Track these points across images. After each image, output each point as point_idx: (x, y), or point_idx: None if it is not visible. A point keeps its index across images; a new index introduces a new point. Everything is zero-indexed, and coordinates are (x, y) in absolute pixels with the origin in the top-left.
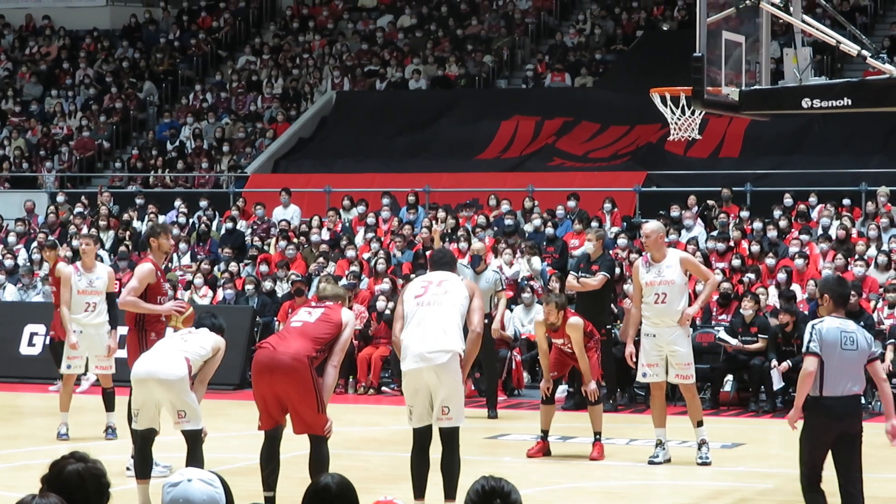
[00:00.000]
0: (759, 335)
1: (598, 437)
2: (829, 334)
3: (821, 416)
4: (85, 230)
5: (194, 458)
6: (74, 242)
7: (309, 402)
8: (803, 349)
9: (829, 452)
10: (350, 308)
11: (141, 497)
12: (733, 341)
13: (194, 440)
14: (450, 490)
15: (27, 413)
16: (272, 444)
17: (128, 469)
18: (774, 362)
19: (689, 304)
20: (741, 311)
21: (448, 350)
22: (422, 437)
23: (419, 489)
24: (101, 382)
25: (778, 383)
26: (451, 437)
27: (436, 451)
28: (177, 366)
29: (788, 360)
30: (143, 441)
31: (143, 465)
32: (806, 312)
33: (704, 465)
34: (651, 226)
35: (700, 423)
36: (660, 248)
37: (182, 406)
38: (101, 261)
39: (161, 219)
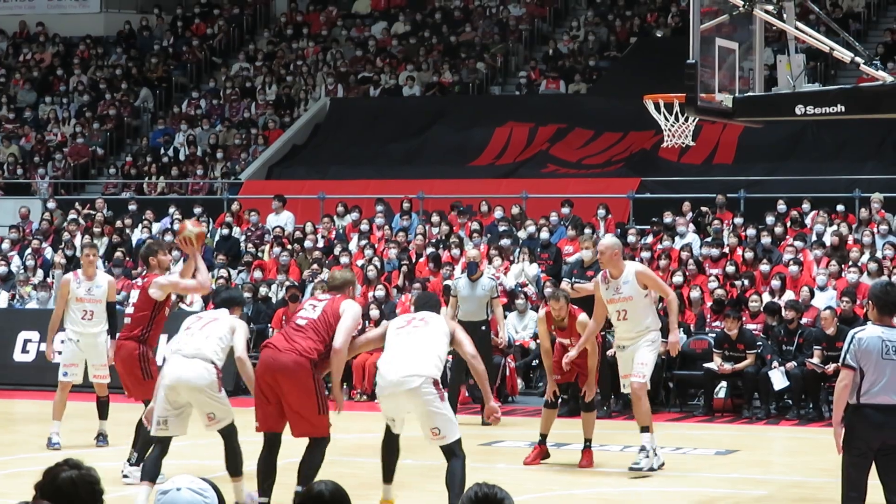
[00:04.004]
0: (747, 350)
1: (588, 444)
2: (868, 342)
3: (859, 424)
4: (79, 237)
5: (232, 452)
6: (68, 250)
7: (310, 405)
8: (840, 361)
9: (873, 469)
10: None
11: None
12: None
13: (229, 437)
14: (452, 500)
15: (21, 420)
16: (271, 451)
17: (124, 476)
18: (776, 363)
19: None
20: (726, 331)
21: (420, 374)
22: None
23: (387, 473)
24: (97, 391)
25: (781, 383)
26: (451, 451)
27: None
28: (204, 371)
29: (784, 368)
30: (163, 448)
31: (153, 469)
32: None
33: (633, 471)
34: (606, 241)
35: (645, 430)
36: (615, 264)
37: (211, 409)
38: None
39: (155, 227)
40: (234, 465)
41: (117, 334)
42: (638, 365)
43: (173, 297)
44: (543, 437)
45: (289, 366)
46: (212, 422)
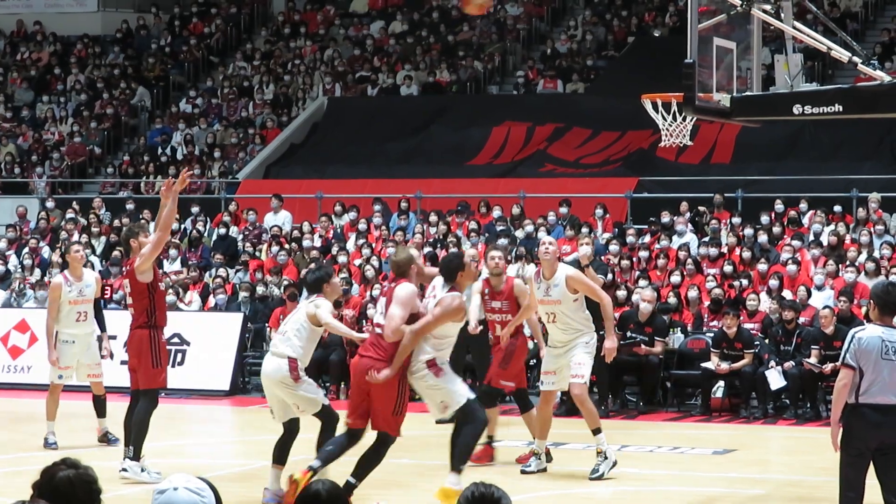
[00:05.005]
0: (745, 350)
1: (490, 440)
2: (868, 342)
3: (857, 424)
4: (76, 236)
5: (328, 434)
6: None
7: (389, 404)
8: (840, 360)
9: (871, 469)
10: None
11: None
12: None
13: (325, 421)
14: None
15: (19, 419)
16: (349, 441)
17: (123, 471)
18: (773, 363)
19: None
20: (724, 329)
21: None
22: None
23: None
24: (94, 390)
25: (778, 383)
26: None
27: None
28: (278, 365)
29: (781, 367)
30: (287, 433)
31: (279, 452)
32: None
33: (594, 479)
34: (548, 238)
35: (597, 431)
36: (551, 264)
37: (294, 400)
38: (93, 266)
39: (152, 226)
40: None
41: (105, 329)
42: (576, 366)
43: (170, 293)
44: (490, 437)
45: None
46: (299, 411)
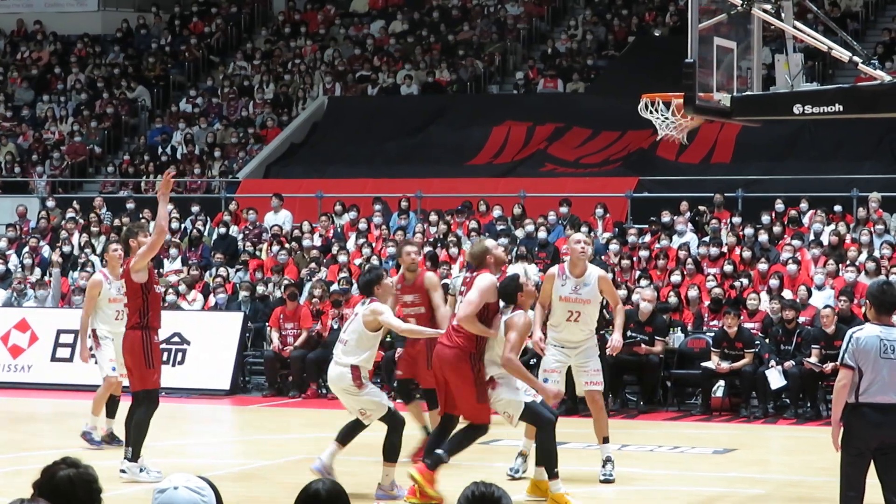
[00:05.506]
0: (745, 349)
1: (427, 431)
2: (866, 342)
3: (857, 423)
4: (77, 235)
5: (390, 440)
6: (66, 248)
7: (469, 393)
8: (838, 361)
9: (872, 468)
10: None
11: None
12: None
13: (390, 426)
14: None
15: (19, 419)
16: (443, 430)
17: (122, 472)
18: (773, 363)
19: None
20: (725, 328)
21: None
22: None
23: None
24: (113, 389)
25: (778, 382)
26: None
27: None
28: (342, 374)
29: (781, 366)
30: (356, 421)
31: (344, 434)
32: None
33: (607, 483)
34: (580, 236)
35: (606, 440)
36: (582, 263)
37: (359, 405)
38: (93, 266)
39: (152, 226)
40: (389, 452)
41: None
42: (594, 373)
43: (171, 293)
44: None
45: (451, 360)
46: (364, 416)
